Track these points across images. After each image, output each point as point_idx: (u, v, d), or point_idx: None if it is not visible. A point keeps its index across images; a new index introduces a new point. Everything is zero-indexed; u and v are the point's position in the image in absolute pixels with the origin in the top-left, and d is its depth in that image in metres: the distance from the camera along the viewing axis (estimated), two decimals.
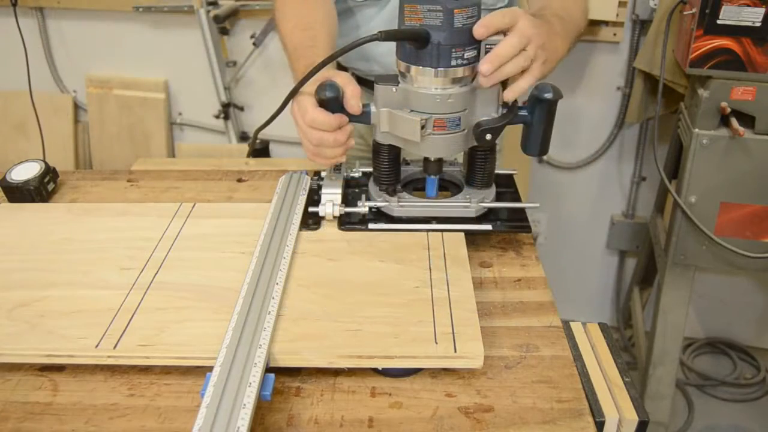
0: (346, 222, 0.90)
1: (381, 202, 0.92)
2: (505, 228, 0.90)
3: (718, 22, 1.35)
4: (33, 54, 2.03)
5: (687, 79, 1.57)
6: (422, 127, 0.81)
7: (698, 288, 2.08)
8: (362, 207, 0.90)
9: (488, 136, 0.84)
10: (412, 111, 0.83)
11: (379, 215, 0.91)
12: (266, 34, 1.93)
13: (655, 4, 1.70)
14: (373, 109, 0.86)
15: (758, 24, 1.33)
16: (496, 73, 0.76)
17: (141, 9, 1.93)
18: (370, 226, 0.89)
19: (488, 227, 0.89)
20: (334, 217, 0.90)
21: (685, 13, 1.44)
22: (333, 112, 0.82)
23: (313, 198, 0.94)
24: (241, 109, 2.09)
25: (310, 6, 1.01)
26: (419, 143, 0.83)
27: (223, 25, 1.93)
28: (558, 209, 2.14)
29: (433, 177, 0.92)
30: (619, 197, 2.10)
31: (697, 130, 1.47)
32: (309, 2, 1.01)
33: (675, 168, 1.65)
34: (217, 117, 2.07)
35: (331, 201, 0.90)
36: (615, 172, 2.07)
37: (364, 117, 0.85)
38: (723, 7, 1.33)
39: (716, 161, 1.48)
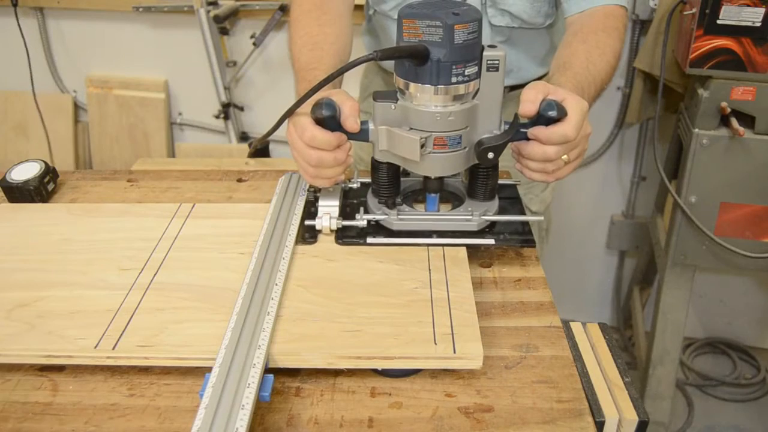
0: (343, 236, 0.87)
1: (380, 215, 0.88)
2: (508, 242, 0.86)
3: (718, 22, 1.35)
4: (33, 54, 2.04)
5: (687, 79, 1.57)
6: (422, 146, 0.78)
7: (698, 288, 2.08)
8: (360, 220, 0.87)
9: (490, 155, 0.80)
10: (411, 129, 0.79)
11: (378, 228, 0.88)
12: (266, 34, 1.92)
13: (655, 4, 1.70)
14: (371, 126, 0.82)
15: (758, 24, 1.33)
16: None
17: (141, 9, 1.93)
18: (369, 240, 0.86)
19: (491, 241, 0.86)
20: (332, 230, 0.87)
21: (685, 13, 1.44)
22: (331, 130, 0.79)
23: (310, 210, 0.90)
24: (241, 109, 2.09)
25: (323, 24, 0.98)
26: (419, 162, 0.80)
27: (223, 25, 1.93)
28: (558, 209, 2.14)
29: (433, 195, 0.89)
30: (619, 197, 2.10)
31: (697, 130, 1.47)
32: (322, 20, 0.99)
33: (675, 168, 1.65)
34: (217, 117, 2.07)
35: (328, 214, 0.86)
36: (615, 172, 2.06)
37: (362, 135, 0.82)
38: (723, 7, 1.33)
39: (716, 161, 1.47)
